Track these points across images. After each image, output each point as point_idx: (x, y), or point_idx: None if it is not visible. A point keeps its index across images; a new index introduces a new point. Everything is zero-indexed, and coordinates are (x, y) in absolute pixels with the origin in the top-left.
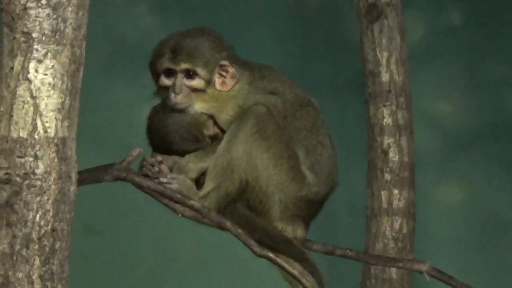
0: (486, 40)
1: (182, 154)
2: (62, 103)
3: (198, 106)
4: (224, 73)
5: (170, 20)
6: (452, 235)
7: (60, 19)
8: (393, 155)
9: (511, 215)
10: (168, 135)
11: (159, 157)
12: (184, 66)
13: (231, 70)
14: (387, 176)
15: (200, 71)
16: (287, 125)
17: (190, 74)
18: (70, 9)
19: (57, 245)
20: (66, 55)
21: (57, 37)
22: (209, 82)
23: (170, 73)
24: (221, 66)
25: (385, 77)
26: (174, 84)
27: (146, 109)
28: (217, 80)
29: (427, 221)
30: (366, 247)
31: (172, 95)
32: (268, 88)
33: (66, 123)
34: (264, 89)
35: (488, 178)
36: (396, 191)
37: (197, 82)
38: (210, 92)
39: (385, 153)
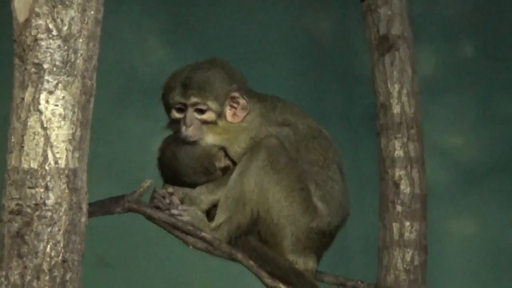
0: (498, 73)
1: (193, 186)
2: (73, 134)
3: (210, 138)
4: (235, 105)
5: (183, 54)
6: (465, 268)
7: (71, 50)
8: (405, 187)
9: None
10: (180, 167)
11: (170, 189)
12: (194, 100)
13: (242, 101)
14: (399, 208)
15: (211, 104)
16: (299, 157)
17: (200, 107)
18: (81, 40)
19: (68, 276)
20: (77, 86)
21: (68, 68)
22: (220, 114)
23: (181, 106)
24: (232, 98)
25: (396, 109)
26: (185, 117)
27: (158, 141)
28: (228, 112)
29: (440, 254)
30: (377, 279)
31: (183, 128)
32: (280, 120)
33: (76, 154)
34: (276, 121)
35: (501, 211)
36: (407, 223)
37: (208, 115)
38: (221, 124)
39: (397, 185)
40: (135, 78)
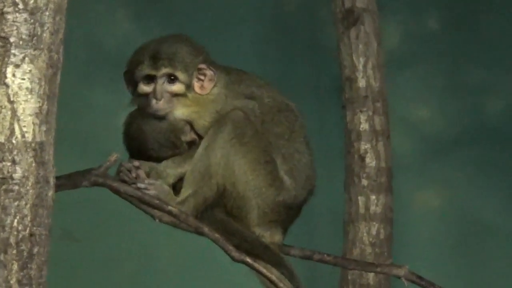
0: (464, 45)
1: (159, 160)
2: (40, 107)
3: (179, 112)
4: (202, 77)
5: (149, 27)
6: (431, 240)
7: (37, 23)
8: (370, 161)
9: (489, 220)
10: (146, 142)
11: (136, 163)
12: (165, 70)
13: (209, 73)
14: (364, 182)
15: (180, 75)
16: (265, 131)
17: (170, 79)
18: (47, 13)
19: (35, 250)
20: (44, 59)
21: (34, 41)
22: (188, 86)
23: (149, 79)
24: (199, 69)
25: (361, 82)
26: (154, 90)
27: (124, 115)
28: (196, 84)
29: (406, 226)
30: (343, 253)
31: (154, 101)
32: (246, 93)
33: (44, 128)
34: (242, 94)
35: (467, 183)
36: (373, 197)
37: (177, 87)
38: (190, 97)
39: (362, 158)
40: (102, 51)
